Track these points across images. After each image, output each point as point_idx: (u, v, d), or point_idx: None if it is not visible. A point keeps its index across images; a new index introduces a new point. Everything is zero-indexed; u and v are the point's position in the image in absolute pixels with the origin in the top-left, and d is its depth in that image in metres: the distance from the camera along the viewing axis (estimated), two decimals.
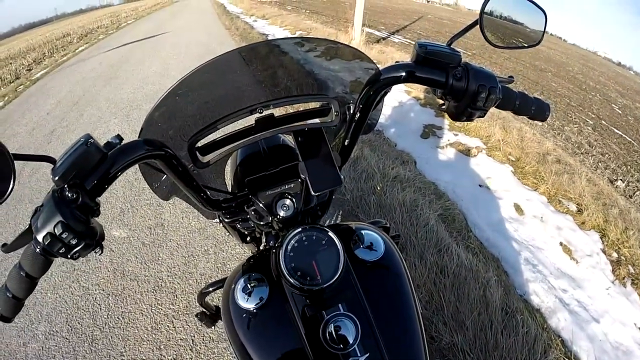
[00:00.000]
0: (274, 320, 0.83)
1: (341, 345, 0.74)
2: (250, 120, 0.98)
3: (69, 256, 0.63)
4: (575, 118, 11.82)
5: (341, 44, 0.99)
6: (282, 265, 0.78)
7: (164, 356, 2.05)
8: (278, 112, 0.97)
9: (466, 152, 4.84)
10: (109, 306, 2.33)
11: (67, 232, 0.60)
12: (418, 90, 6.37)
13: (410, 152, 4.55)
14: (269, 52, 0.95)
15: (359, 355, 0.74)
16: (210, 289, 1.21)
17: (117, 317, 2.27)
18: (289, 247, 0.80)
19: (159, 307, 2.30)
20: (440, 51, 0.75)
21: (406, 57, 8.02)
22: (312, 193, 0.82)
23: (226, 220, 1.02)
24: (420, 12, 33.33)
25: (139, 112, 5.57)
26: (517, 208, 3.92)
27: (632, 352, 2.80)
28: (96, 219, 0.68)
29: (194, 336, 2.13)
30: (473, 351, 2.21)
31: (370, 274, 0.87)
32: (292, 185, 0.94)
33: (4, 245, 0.67)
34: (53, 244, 0.60)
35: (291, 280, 0.77)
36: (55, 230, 0.59)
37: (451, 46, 0.78)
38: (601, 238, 3.95)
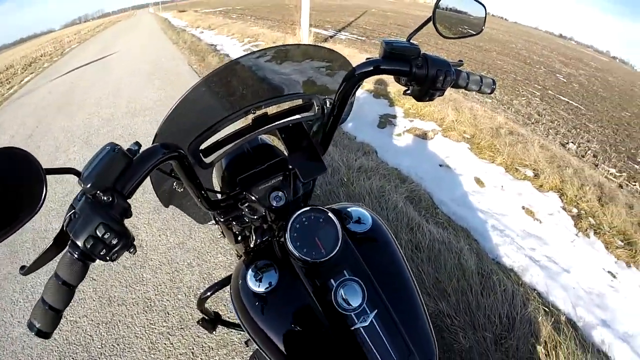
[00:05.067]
0: (288, 298, 0.95)
1: (352, 306, 0.87)
2: (239, 124, 1.14)
3: (108, 257, 0.68)
4: (522, 91, 12.51)
5: (319, 46, 1.18)
6: (289, 245, 0.90)
7: None
8: (270, 111, 1.13)
9: (423, 136, 5.14)
10: (101, 335, 2.35)
11: (109, 232, 0.65)
12: (370, 82, 6.63)
13: (370, 143, 4.81)
14: (257, 61, 1.10)
15: (368, 312, 0.87)
16: (209, 294, 1.30)
17: (112, 345, 2.28)
18: (293, 228, 0.93)
19: (153, 326, 2.35)
20: (402, 46, 0.94)
21: (355, 53, 8.31)
22: (302, 181, 1.00)
23: (221, 219, 1.14)
24: (363, 6, 33.98)
25: (98, 137, 5.41)
26: (478, 181, 4.22)
27: (604, 294, 3.14)
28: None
29: (193, 348, 2.19)
30: (459, 315, 2.43)
31: (364, 242, 1.02)
32: (280, 178, 1.07)
33: (23, 267, 0.71)
34: (95, 245, 0.65)
35: (299, 256, 0.89)
36: (97, 232, 0.64)
37: (410, 41, 0.97)
38: (560, 197, 4.31)
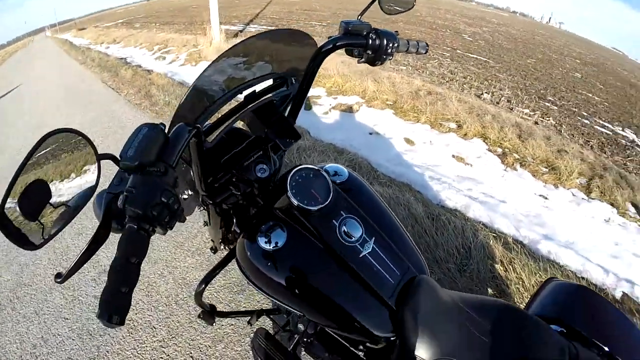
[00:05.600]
0: (299, 247, 1.07)
1: (354, 238, 1.05)
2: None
3: (168, 226, 0.72)
4: (433, 55, 13.12)
5: (290, 30, 1.31)
6: (293, 200, 1.03)
7: None
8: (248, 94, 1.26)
9: (349, 110, 5.34)
10: None
11: (172, 197, 0.70)
12: None
13: (300, 125, 4.92)
14: (241, 50, 1.23)
15: (369, 240, 1.06)
16: (203, 286, 1.37)
17: None
18: (292, 186, 1.05)
19: (144, 345, 2.25)
20: (357, 24, 1.14)
21: (267, 43, 8.37)
22: (284, 148, 1.16)
23: (211, 202, 1.20)
24: None
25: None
26: (408, 141, 4.48)
27: (540, 214, 3.48)
28: None
29: (191, 352, 2.17)
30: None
31: (347, 189, 1.17)
32: (260, 152, 1.19)
33: (59, 275, 0.71)
34: (161, 212, 0.69)
35: (304, 207, 1.03)
36: (163, 199, 0.69)
37: (360, 19, 1.18)
38: (484, 141, 4.67)
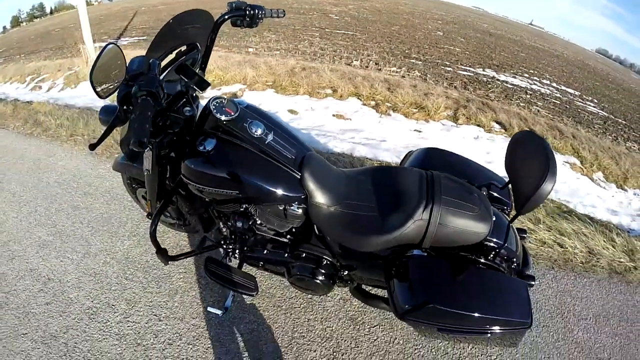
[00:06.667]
0: (227, 145, 1.59)
1: (259, 132, 1.59)
2: None
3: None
4: (303, 37, 13.76)
5: (195, 10, 1.72)
6: (216, 115, 1.55)
7: None
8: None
9: (234, 97, 5.63)
10: None
11: (158, 88, 1.33)
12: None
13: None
14: (166, 27, 1.63)
15: (269, 132, 1.62)
16: (154, 227, 1.84)
17: None
18: (213, 107, 1.56)
19: (109, 323, 2.24)
20: (238, 3, 1.62)
21: (143, 52, 8.23)
22: (202, 90, 1.60)
23: (155, 140, 1.59)
24: (132, 8, 32.43)
25: None
26: (292, 111, 4.89)
27: (418, 144, 4.08)
28: None
29: (152, 311, 2.24)
30: None
31: (250, 108, 1.70)
32: (184, 99, 1.64)
33: (92, 145, 1.32)
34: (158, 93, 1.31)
35: (224, 118, 1.55)
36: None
37: None
38: (358, 98, 5.23)
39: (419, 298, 1.38)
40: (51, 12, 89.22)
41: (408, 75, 8.24)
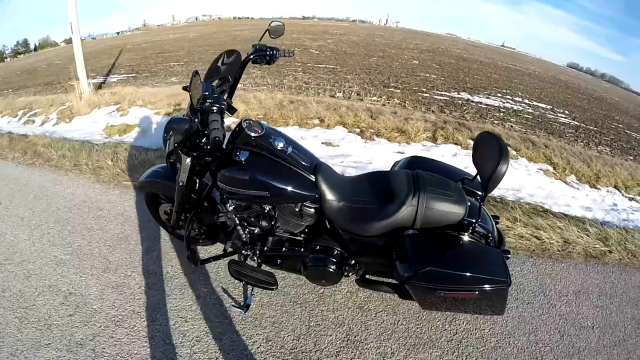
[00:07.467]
0: (258, 156, 1.98)
1: (282, 145, 2.01)
2: None
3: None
4: (287, 72, 14.35)
5: (228, 50, 2.19)
6: (248, 132, 1.95)
7: None
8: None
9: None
10: None
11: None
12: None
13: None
14: (212, 65, 2.17)
15: (289, 146, 2.04)
16: (188, 231, 2.31)
17: None
18: (245, 126, 1.97)
19: (136, 330, 2.37)
20: (262, 46, 2.23)
21: (133, 90, 8.38)
22: (230, 115, 2.12)
23: (195, 154, 1.99)
24: (117, 45, 33.43)
25: None
26: None
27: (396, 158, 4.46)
28: None
29: (180, 314, 2.25)
30: None
31: (271, 129, 2.11)
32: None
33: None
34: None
35: (254, 135, 1.96)
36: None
37: (260, 42, 2.27)
38: (344, 127, 5.66)
39: (418, 264, 1.78)
40: (35, 49, 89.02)
41: (388, 103, 8.79)
